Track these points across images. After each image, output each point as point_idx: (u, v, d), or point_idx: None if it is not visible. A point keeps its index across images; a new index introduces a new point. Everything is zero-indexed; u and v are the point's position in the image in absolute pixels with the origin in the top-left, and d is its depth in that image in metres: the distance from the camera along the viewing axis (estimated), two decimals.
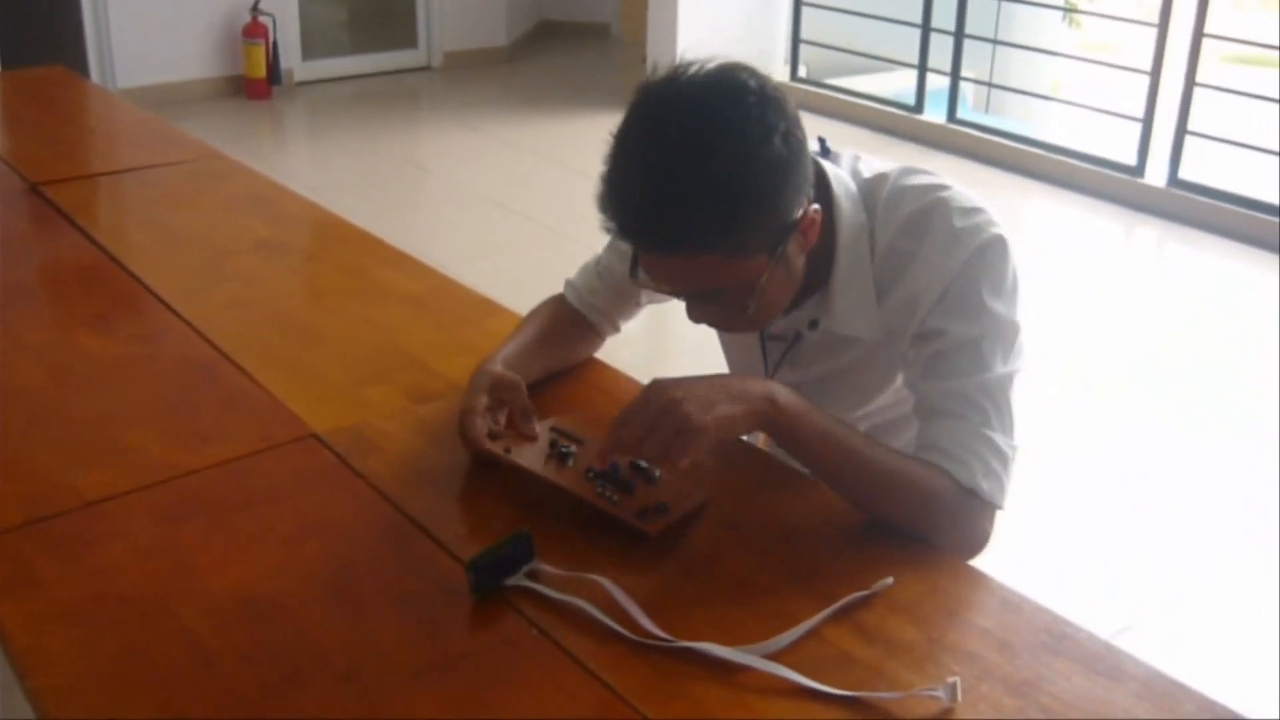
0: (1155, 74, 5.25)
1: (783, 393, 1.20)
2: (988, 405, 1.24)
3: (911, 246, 1.28)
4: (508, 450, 1.32)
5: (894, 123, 6.23)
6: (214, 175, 2.47)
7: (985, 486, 1.22)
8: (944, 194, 1.29)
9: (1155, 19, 5.23)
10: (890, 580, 1.15)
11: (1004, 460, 1.24)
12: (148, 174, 2.47)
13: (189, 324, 1.74)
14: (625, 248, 1.52)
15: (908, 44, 6.22)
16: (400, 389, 1.56)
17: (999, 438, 1.23)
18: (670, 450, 1.14)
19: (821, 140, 1.37)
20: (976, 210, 1.28)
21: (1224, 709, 1.02)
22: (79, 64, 5.87)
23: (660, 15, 6.49)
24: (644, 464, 1.29)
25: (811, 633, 1.09)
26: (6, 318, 1.77)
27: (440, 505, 1.31)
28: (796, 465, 1.29)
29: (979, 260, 1.26)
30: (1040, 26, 7.10)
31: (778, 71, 6.76)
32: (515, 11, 7.72)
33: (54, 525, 1.26)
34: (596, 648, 1.07)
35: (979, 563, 1.27)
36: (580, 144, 5.92)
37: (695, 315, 1.28)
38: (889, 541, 1.22)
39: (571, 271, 1.61)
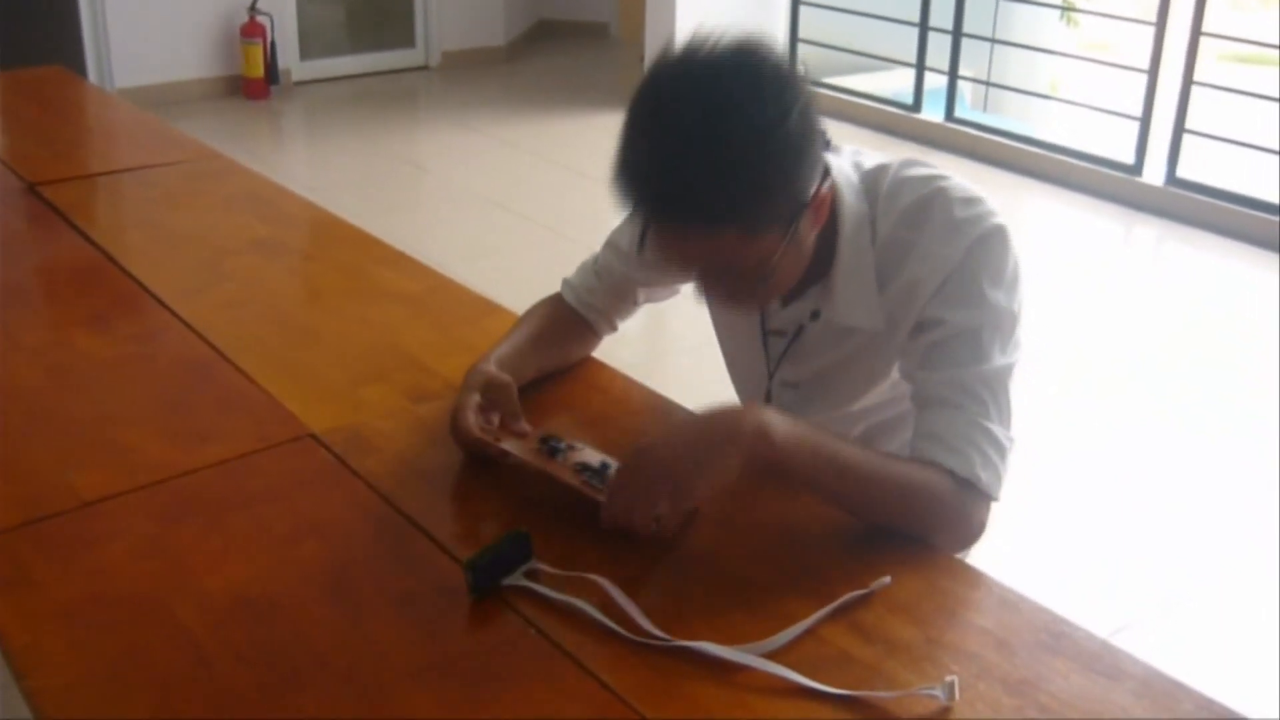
0: (1153, 73, 5.25)
1: (775, 421, 1.17)
2: (986, 396, 1.23)
3: (912, 236, 1.28)
4: (497, 439, 1.32)
5: (892, 122, 6.23)
6: (212, 175, 2.47)
7: (983, 477, 1.22)
8: (945, 184, 1.29)
9: (1153, 17, 5.23)
10: (888, 579, 1.15)
11: (1001, 452, 1.24)
12: (145, 174, 2.47)
13: (186, 324, 1.74)
14: (624, 246, 1.53)
15: (905, 43, 6.22)
16: (398, 389, 1.55)
17: (997, 429, 1.23)
18: (661, 522, 1.15)
19: (822, 133, 1.37)
20: (977, 200, 1.28)
21: (1222, 708, 1.02)
22: (77, 64, 5.86)
23: (658, 14, 6.49)
24: None
25: (809, 632, 1.09)
26: (4, 318, 1.77)
27: (438, 505, 1.31)
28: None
29: (980, 250, 1.26)
30: (1038, 25, 7.10)
31: None
32: (513, 11, 7.72)
33: (51, 525, 1.26)
34: (594, 647, 1.07)
35: (977, 561, 1.27)
36: (578, 143, 5.92)
37: (704, 293, 1.28)
38: (887, 541, 1.22)
39: (569, 271, 1.61)
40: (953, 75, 6.06)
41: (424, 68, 7.42)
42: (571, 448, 1.31)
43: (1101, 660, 1.07)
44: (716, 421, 1.18)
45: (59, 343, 1.72)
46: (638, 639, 1.07)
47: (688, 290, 1.60)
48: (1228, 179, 5.08)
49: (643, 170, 1.15)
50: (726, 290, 1.27)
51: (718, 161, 1.11)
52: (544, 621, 1.11)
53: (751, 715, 1.00)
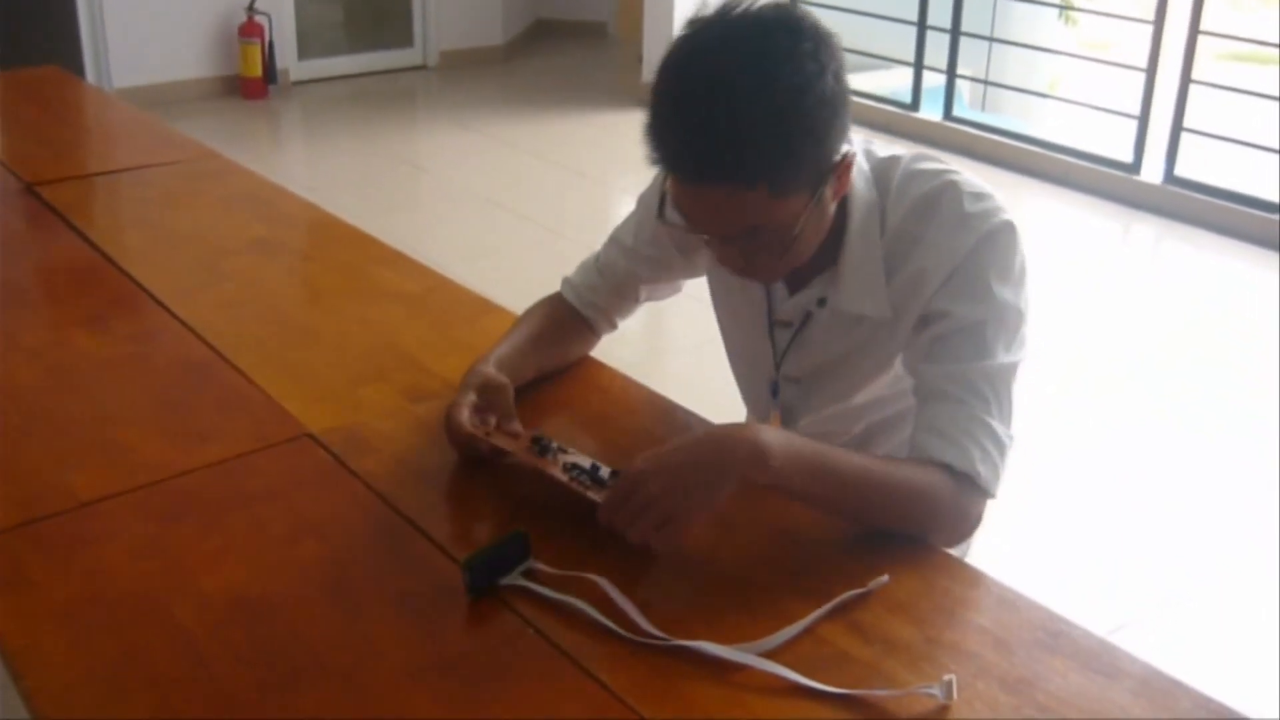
0: (1151, 71, 5.25)
1: (772, 443, 1.15)
2: (988, 392, 1.23)
3: (921, 228, 1.29)
4: (488, 435, 1.32)
5: (890, 120, 6.23)
6: (210, 175, 2.47)
7: (982, 473, 1.22)
8: (956, 178, 1.30)
9: (1151, 16, 5.23)
10: (886, 578, 1.15)
11: (1001, 449, 1.24)
12: (143, 174, 2.46)
13: (184, 324, 1.74)
14: (628, 242, 1.53)
15: (904, 41, 6.22)
16: (396, 388, 1.55)
17: (997, 425, 1.23)
18: (654, 543, 1.15)
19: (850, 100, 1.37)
20: (987, 196, 1.29)
21: (1221, 706, 1.02)
22: (74, 64, 5.86)
23: (656, 13, 6.49)
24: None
25: (807, 631, 1.09)
26: (2, 318, 1.77)
27: (436, 504, 1.31)
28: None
29: (988, 244, 1.26)
30: (1036, 24, 7.11)
31: None
32: (511, 10, 7.72)
33: (49, 526, 1.26)
34: (592, 647, 1.07)
35: (975, 560, 1.27)
36: (577, 142, 5.91)
37: (723, 259, 1.27)
38: (885, 540, 1.22)
39: (568, 270, 1.61)
40: (951, 74, 6.06)
41: (422, 67, 7.42)
42: (562, 449, 1.31)
43: (1100, 659, 1.07)
44: (709, 451, 1.16)
45: (57, 343, 1.72)
46: (636, 638, 1.07)
47: (688, 289, 1.61)
48: (1226, 178, 5.09)
49: (680, 124, 1.15)
50: (747, 257, 1.25)
51: (756, 116, 1.11)
52: (542, 621, 1.11)
53: (749, 714, 1.00)
